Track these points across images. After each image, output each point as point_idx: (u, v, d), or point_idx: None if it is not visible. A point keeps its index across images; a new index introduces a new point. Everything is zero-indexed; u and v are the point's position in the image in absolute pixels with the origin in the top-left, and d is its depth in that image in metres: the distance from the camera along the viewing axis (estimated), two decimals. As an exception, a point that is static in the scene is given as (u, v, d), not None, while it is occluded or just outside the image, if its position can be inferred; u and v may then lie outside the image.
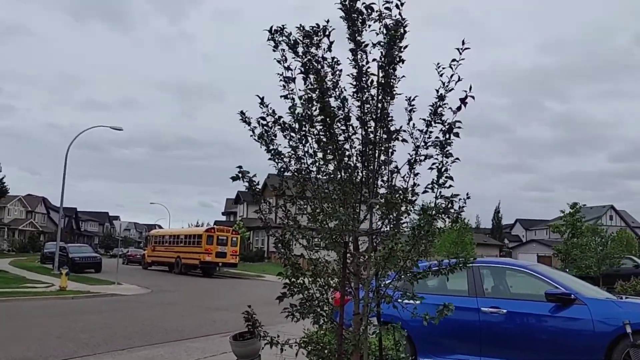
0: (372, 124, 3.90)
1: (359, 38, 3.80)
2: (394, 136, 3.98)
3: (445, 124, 3.91)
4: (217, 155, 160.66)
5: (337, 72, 3.90)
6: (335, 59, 3.87)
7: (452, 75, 3.95)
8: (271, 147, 3.95)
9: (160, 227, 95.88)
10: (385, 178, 4.14)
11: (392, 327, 4.27)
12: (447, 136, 3.89)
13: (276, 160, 3.98)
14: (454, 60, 3.87)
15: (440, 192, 3.89)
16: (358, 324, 3.94)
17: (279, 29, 3.80)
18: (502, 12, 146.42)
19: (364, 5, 3.81)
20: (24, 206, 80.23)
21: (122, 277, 29.31)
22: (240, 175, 3.89)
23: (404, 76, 3.92)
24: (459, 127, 3.88)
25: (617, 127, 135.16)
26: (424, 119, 4.01)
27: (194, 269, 39.24)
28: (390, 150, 3.98)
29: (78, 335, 11.76)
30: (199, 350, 10.60)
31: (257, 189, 3.99)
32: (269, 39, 3.87)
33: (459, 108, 3.96)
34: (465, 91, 3.98)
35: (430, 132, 4.05)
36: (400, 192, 4.02)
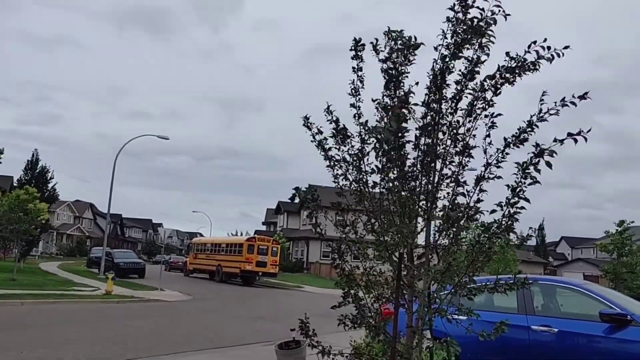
0: (441, 135, 3.90)
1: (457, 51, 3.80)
2: (465, 150, 3.96)
3: (538, 147, 3.79)
4: (258, 166, 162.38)
5: (414, 84, 3.91)
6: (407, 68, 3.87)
7: (550, 109, 3.88)
8: (330, 154, 4.00)
9: (201, 235, 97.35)
10: (447, 192, 4.12)
11: (447, 342, 4.22)
12: (536, 160, 3.78)
13: (335, 170, 4.02)
14: (563, 100, 3.82)
15: (508, 211, 3.82)
16: (411, 337, 3.92)
17: (374, 42, 3.85)
18: (553, 23, 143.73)
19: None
20: (72, 211, 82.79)
21: (164, 284, 29.83)
22: (296, 194, 3.96)
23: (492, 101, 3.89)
24: (553, 156, 3.77)
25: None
26: (505, 138, 3.93)
27: (234, 277, 39.63)
28: (463, 164, 3.95)
29: (126, 339, 12.04)
30: (242, 357, 10.71)
31: (317, 201, 4.05)
32: (351, 49, 3.93)
33: (562, 141, 3.83)
34: (581, 130, 3.84)
35: (507, 153, 3.99)
36: (463, 207, 3.99)
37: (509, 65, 3.80)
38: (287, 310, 21.11)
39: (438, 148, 4.01)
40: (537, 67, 3.76)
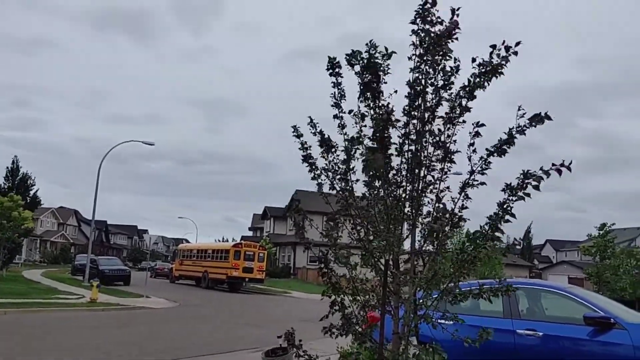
0: (425, 143, 3.93)
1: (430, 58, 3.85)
2: (450, 158, 3.99)
3: (528, 176, 3.88)
4: (243, 171, 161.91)
5: (394, 92, 3.94)
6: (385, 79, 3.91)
7: (525, 125, 3.96)
8: (315, 166, 4.01)
9: (187, 241, 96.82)
10: (431, 198, 4.15)
11: (433, 348, 4.23)
12: (525, 184, 3.88)
13: (320, 179, 4.03)
14: (537, 116, 3.90)
15: (496, 224, 3.88)
16: (397, 343, 3.93)
17: (352, 53, 3.88)
18: (534, 27, 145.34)
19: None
20: (56, 218, 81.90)
21: (150, 291, 29.59)
22: (295, 209, 3.97)
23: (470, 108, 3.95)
24: (540, 182, 3.87)
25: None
26: (487, 149, 4.01)
27: (220, 283, 39.43)
28: (445, 170, 3.99)
29: (110, 348, 11.91)
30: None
31: (305, 217, 4.06)
32: (327, 68, 3.95)
33: (547, 173, 3.92)
34: (563, 162, 3.93)
35: (490, 162, 4.05)
36: (448, 214, 4.03)
37: (479, 70, 3.87)
38: (274, 316, 21.05)
39: (421, 155, 4.04)
40: (502, 69, 3.85)
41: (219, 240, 63.80)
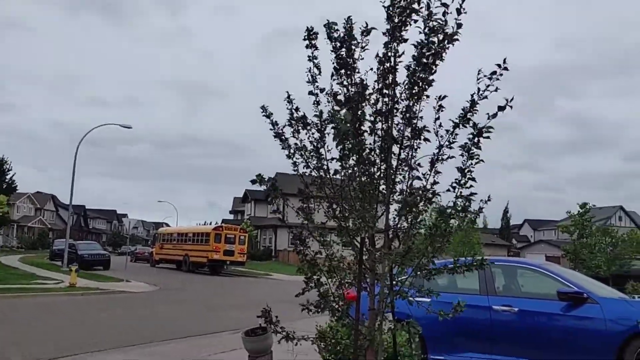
0: (397, 120, 3.92)
1: (398, 33, 3.82)
2: (418, 134, 3.99)
3: (476, 127, 3.90)
4: (223, 154, 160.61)
5: (368, 70, 3.91)
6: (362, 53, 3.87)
7: (488, 86, 3.96)
8: (289, 144, 3.98)
9: (167, 225, 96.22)
10: (404, 175, 4.16)
11: (407, 323, 4.28)
12: (476, 139, 3.89)
13: (295, 158, 4.00)
14: (494, 73, 3.90)
15: (460, 192, 3.90)
16: (373, 319, 3.96)
17: (330, 24, 3.81)
18: (512, 8, 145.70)
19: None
20: (32, 203, 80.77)
21: (130, 275, 29.44)
22: (258, 179, 3.91)
23: (433, 80, 3.93)
24: (491, 132, 3.89)
25: (630, 127, 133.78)
26: (452, 120, 4.02)
27: (201, 267, 39.36)
28: (415, 147, 3.99)
29: (88, 332, 11.85)
30: (208, 346, 10.65)
31: (279, 192, 4.02)
32: (305, 38, 3.89)
33: (494, 115, 3.95)
34: (506, 99, 3.96)
35: (457, 134, 4.07)
36: (420, 190, 4.04)
37: (429, 37, 3.86)
38: (255, 298, 21.10)
39: (392, 132, 4.03)
40: (457, 36, 3.85)
41: (200, 224, 63.59)
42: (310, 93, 4.03)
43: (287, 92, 3.98)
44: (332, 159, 3.94)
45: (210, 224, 38.86)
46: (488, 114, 3.88)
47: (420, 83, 4.00)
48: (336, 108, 3.88)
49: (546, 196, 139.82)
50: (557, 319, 7.02)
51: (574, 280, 7.24)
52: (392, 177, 4.07)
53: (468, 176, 3.91)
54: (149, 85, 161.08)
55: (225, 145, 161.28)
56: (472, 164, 3.90)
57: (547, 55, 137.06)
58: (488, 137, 3.85)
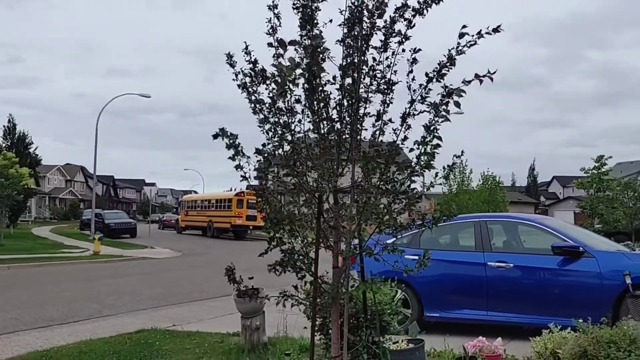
0: (362, 73, 3.79)
1: None
2: (390, 88, 3.86)
3: (446, 89, 3.76)
4: (243, 120, 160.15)
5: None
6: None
7: (469, 42, 3.79)
8: (253, 98, 3.88)
9: (195, 192, 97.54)
10: (373, 131, 4.06)
11: (372, 280, 4.25)
12: (445, 100, 3.75)
13: (256, 111, 3.90)
14: (479, 33, 3.73)
15: (425, 149, 3.80)
16: (337, 276, 3.94)
17: None
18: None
19: None
20: (63, 175, 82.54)
21: (156, 242, 30.09)
22: (220, 133, 3.83)
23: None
24: (462, 96, 3.74)
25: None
26: (427, 73, 3.88)
27: (225, 232, 39.96)
28: (387, 102, 3.85)
29: (105, 297, 12.19)
30: (219, 308, 10.85)
31: (239, 148, 3.94)
32: None
33: (469, 82, 3.78)
34: (489, 71, 3.76)
35: (430, 89, 3.93)
36: (386, 146, 3.95)
37: None
38: (272, 260, 21.32)
39: (360, 87, 3.91)
40: None
41: (226, 191, 64.26)
42: (270, 45, 3.88)
43: (245, 42, 3.86)
44: (288, 109, 3.81)
45: (235, 190, 39.47)
46: (464, 79, 3.72)
47: (400, 37, 3.84)
48: (299, 72, 3.76)
49: (576, 152, 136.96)
50: (552, 274, 6.93)
51: (570, 234, 7.09)
52: (358, 132, 3.98)
53: (434, 134, 3.80)
54: (167, 53, 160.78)
55: (243, 111, 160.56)
56: (438, 121, 3.79)
57: (575, 4, 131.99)
58: (457, 104, 3.70)
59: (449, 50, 3.84)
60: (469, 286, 7.33)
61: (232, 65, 4.07)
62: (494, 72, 3.61)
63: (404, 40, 3.85)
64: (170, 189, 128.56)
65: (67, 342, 7.58)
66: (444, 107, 3.70)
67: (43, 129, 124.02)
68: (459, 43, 3.77)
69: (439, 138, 3.80)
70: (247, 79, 3.95)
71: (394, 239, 8.15)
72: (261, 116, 4.03)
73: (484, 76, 3.59)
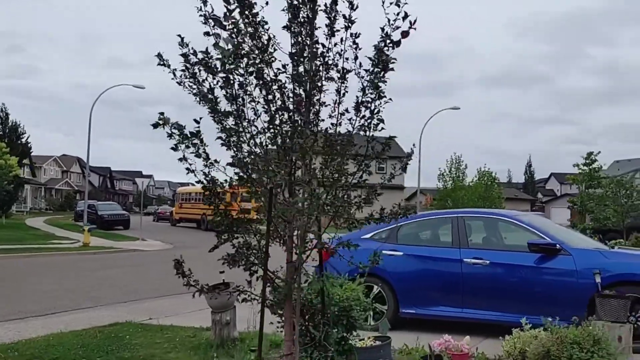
0: (310, 59, 3.65)
1: None
2: (337, 76, 3.74)
3: (381, 61, 3.65)
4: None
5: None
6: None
7: (398, 13, 3.69)
8: (196, 92, 3.72)
9: (193, 185, 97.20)
10: (331, 122, 3.93)
11: (325, 277, 4.13)
12: (382, 73, 3.64)
13: (203, 104, 3.76)
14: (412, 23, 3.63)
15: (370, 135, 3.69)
16: (291, 272, 3.82)
17: None
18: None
19: None
20: (59, 166, 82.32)
21: (148, 234, 29.98)
22: (162, 122, 3.67)
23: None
24: (394, 62, 3.64)
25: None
26: (370, 58, 3.76)
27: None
28: (342, 92, 3.73)
29: (88, 289, 12.09)
30: (200, 302, 10.66)
31: (186, 136, 3.78)
32: None
33: (398, 43, 3.69)
34: (411, 22, 3.69)
35: (376, 72, 3.81)
36: (339, 137, 3.83)
37: None
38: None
39: (314, 76, 3.78)
40: None
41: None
42: (207, 34, 3.70)
43: (180, 35, 3.69)
44: (234, 97, 3.66)
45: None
46: (392, 41, 3.61)
47: (346, 22, 3.71)
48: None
49: (577, 149, 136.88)
50: (529, 271, 6.81)
51: (547, 231, 6.97)
52: (315, 123, 3.85)
53: (377, 117, 3.68)
54: (167, 44, 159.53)
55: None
56: (380, 103, 3.67)
57: (577, 1, 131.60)
58: (392, 69, 3.60)
59: (382, 29, 3.74)
60: (445, 283, 7.21)
61: (165, 65, 3.85)
62: (414, 22, 3.49)
63: (349, 24, 3.72)
64: (168, 182, 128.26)
65: (39, 334, 7.47)
66: (381, 81, 3.59)
67: (42, 120, 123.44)
68: (388, 19, 3.69)
69: (382, 121, 3.69)
70: (187, 73, 3.75)
71: (372, 233, 8.11)
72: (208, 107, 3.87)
73: (408, 29, 3.49)
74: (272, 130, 3.84)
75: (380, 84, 3.63)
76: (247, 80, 3.78)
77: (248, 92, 3.83)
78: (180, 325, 8.08)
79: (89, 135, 34.81)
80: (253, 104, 3.78)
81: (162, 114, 3.60)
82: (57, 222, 42.06)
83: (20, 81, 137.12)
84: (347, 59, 3.77)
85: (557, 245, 6.65)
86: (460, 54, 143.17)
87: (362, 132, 3.76)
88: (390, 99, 3.68)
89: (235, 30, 3.54)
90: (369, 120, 3.70)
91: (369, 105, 3.68)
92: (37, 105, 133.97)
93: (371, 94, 3.68)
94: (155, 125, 3.60)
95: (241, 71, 3.67)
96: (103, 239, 26.69)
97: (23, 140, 41.19)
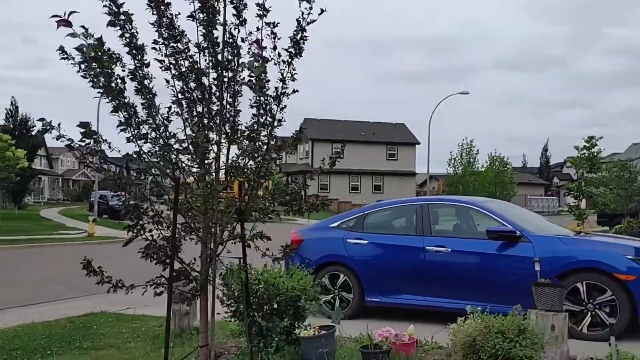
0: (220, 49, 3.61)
1: None
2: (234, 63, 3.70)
3: (296, 44, 3.62)
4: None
5: None
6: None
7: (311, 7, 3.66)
8: (101, 84, 3.68)
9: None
10: (253, 113, 3.91)
11: (240, 268, 4.11)
12: (293, 59, 3.60)
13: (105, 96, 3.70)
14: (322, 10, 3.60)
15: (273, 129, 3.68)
16: (205, 264, 3.81)
17: None
18: None
19: None
20: (76, 157, 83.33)
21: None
22: (48, 128, 3.59)
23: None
24: (306, 39, 3.62)
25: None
26: (286, 50, 3.72)
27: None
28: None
29: (76, 280, 12.20)
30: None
31: (71, 143, 3.74)
32: None
33: (302, 28, 3.65)
34: (322, 9, 3.66)
35: (291, 64, 3.77)
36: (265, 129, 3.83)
37: None
38: (263, 245, 21.27)
39: (231, 66, 3.74)
40: None
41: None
42: (113, 24, 3.63)
43: (83, 26, 3.63)
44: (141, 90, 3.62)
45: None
46: (302, 21, 3.57)
47: (260, 9, 3.66)
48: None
49: (594, 132, 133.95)
50: (490, 259, 6.73)
51: (509, 219, 6.85)
52: (230, 115, 3.82)
53: (281, 105, 3.67)
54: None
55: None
56: (286, 92, 3.66)
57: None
58: (300, 54, 3.58)
59: (297, 20, 3.69)
60: (408, 271, 7.16)
61: (71, 58, 3.75)
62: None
63: (264, 13, 3.66)
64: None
65: (11, 325, 7.59)
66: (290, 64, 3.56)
67: (59, 111, 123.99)
68: (302, 12, 3.64)
69: (278, 121, 3.68)
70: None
71: (339, 222, 8.05)
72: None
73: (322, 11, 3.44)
74: (187, 121, 3.82)
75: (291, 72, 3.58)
76: (149, 74, 3.73)
77: (151, 85, 3.78)
78: (152, 315, 8.13)
79: (97, 125, 35.12)
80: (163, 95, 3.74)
81: (42, 119, 3.54)
82: (71, 213, 42.61)
83: (36, 72, 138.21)
84: (265, 47, 3.72)
85: (517, 232, 6.55)
86: (475, 38, 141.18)
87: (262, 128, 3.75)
88: (296, 90, 3.65)
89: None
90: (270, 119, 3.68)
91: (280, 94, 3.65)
92: (53, 96, 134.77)
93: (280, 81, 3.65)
94: (42, 132, 3.56)
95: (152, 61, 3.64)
96: (110, 229, 26.99)
97: (33, 132, 41.53)
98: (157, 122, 3.71)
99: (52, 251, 18.52)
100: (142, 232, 3.81)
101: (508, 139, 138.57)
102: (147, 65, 3.57)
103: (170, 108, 3.81)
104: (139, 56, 3.63)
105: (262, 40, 3.75)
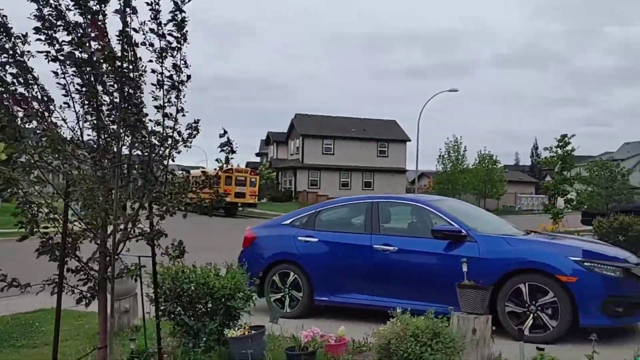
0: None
1: None
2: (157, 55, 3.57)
3: (180, 29, 3.52)
4: (255, 96, 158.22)
5: None
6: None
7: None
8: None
9: (203, 168, 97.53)
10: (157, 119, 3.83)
11: (136, 267, 3.97)
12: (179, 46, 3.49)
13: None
14: None
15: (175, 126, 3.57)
16: (102, 262, 3.68)
17: None
18: None
19: None
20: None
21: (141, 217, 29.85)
22: None
23: None
24: (186, 22, 3.51)
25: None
26: (171, 34, 3.58)
27: (216, 209, 39.87)
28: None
29: (46, 274, 12.05)
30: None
31: None
32: None
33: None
34: None
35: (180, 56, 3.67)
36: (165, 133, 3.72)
37: None
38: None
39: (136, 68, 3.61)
40: None
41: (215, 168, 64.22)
42: (38, 18, 3.51)
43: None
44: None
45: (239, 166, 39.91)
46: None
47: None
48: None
49: (593, 130, 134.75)
50: (435, 258, 6.62)
51: (457, 218, 6.73)
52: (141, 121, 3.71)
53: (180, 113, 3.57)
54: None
55: (257, 86, 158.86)
56: (183, 81, 3.55)
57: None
58: (185, 38, 3.46)
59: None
60: (356, 269, 7.05)
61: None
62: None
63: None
64: (177, 165, 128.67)
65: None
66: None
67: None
68: None
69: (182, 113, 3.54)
70: None
71: (292, 219, 7.93)
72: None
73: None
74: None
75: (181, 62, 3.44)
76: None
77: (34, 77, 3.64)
78: (101, 312, 7.99)
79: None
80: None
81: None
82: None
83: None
84: (163, 34, 3.58)
85: (463, 231, 6.44)
86: (474, 34, 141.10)
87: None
88: (189, 76, 3.52)
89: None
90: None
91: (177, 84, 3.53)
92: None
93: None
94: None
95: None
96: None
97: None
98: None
99: (32, 245, 18.27)
100: (35, 229, 3.65)
101: (504, 136, 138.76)
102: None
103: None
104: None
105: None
